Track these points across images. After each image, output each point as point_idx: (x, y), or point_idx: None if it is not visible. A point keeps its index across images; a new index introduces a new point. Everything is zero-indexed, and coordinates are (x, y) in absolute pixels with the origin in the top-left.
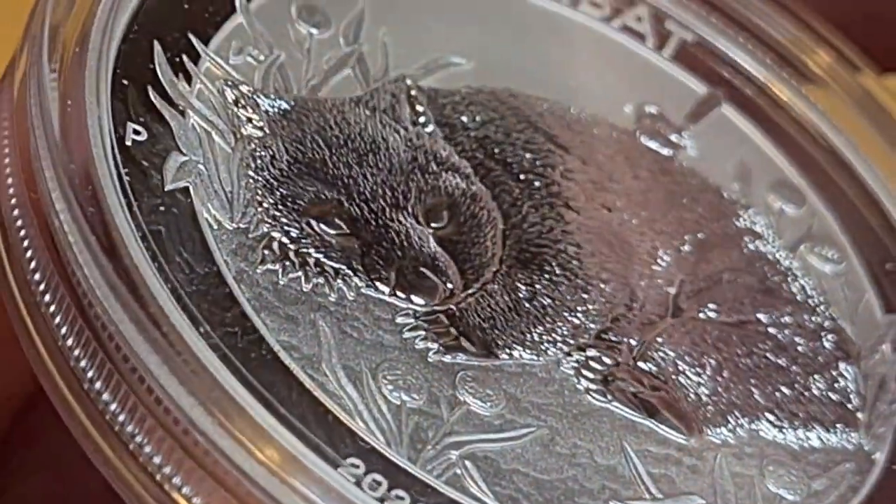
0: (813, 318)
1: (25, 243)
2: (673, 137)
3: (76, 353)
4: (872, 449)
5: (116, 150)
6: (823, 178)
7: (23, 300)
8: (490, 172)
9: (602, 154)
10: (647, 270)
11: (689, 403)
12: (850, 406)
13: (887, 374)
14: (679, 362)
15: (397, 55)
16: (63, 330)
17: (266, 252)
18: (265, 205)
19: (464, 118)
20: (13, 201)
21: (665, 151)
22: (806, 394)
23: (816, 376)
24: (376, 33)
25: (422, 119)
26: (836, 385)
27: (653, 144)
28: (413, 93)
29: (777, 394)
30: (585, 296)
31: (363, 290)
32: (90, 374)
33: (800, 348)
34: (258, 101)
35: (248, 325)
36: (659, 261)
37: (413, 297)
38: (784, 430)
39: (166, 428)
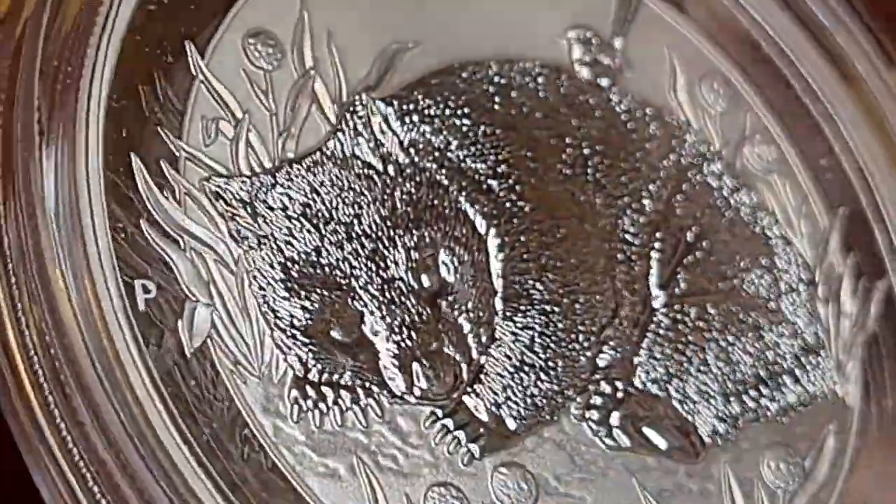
0: (769, 252)
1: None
2: (607, 62)
3: None
4: (845, 393)
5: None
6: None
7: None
8: (463, 189)
9: (547, 119)
10: (620, 254)
11: (687, 412)
12: (818, 350)
13: (841, 289)
14: (669, 364)
15: (349, 62)
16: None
17: (297, 401)
18: (280, 334)
19: (425, 127)
20: None
21: (604, 82)
22: (781, 352)
23: (785, 325)
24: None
25: (388, 148)
26: (803, 331)
27: (590, 76)
28: (374, 124)
29: (758, 364)
30: (574, 317)
31: (387, 406)
32: None
33: (763, 292)
34: (241, 194)
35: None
36: (628, 236)
37: (430, 389)
38: (769, 406)
39: None
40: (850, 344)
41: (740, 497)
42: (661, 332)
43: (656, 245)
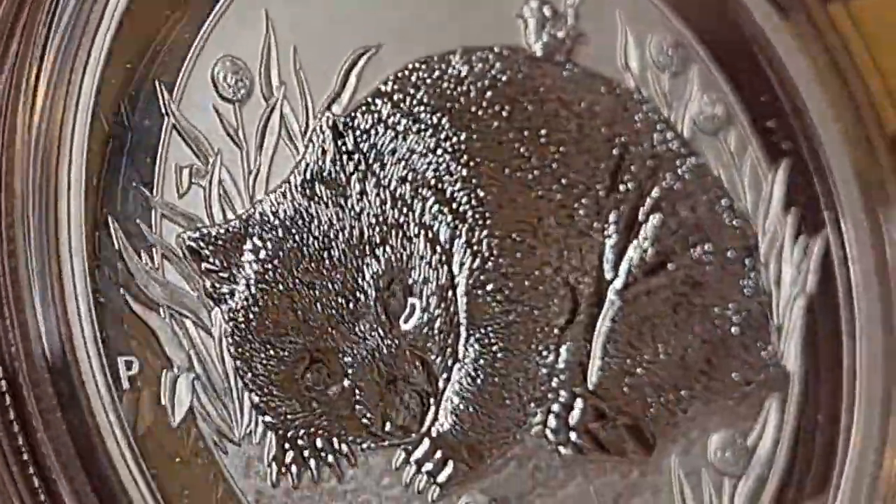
0: (716, 222)
1: None
2: (560, 34)
3: None
4: (785, 357)
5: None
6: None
7: None
8: (425, 202)
9: (506, 111)
10: (574, 248)
11: (639, 408)
12: (761, 316)
13: (783, 248)
14: (621, 359)
15: (314, 81)
16: None
17: (275, 459)
18: (256, 389)
19: (386, 139)
20: None
21: (558, 57)
22: (727, 328)
23: (730, 300)
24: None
25: (351, 166)
26: (748, 303)
27: (543, 51)
28: (336, 144)
29: (706, 346)
30: (532, 325)
31: (360, 450)
32: None
33: (709, 266)
34: (214, 243)
35: None
36: (582, 225)
37: (401, 419)
38: (716, 384)
39: None
40: (791, 308)
41: (688, 490)
42: (615, 326)
43: (610, 230)
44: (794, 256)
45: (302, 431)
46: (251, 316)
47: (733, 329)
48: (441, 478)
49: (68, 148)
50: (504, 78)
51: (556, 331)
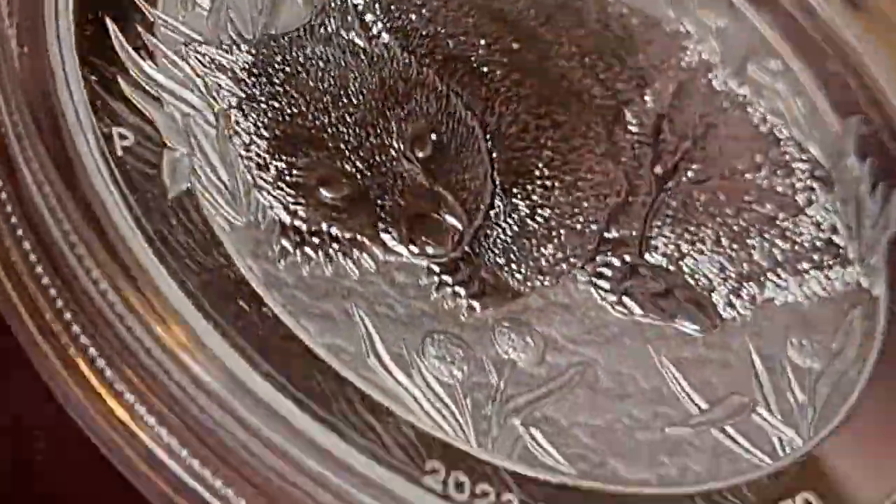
0: (781, 151)
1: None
2: None
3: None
4: (871, 284)
5: (113, 165)
6: None
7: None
8: (455, 73)
9: (546, 14)
10: (624, 142)
11: (702, 288)
12: (839, 242)
13: (860, 191)
14: (681, 243)
15: None
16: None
17: (284, 244)
18: (266, 187)
19: (412, 16)
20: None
21: None
22: (799, 240)
23: (802, 217)
24: None
25: (375, 31)
26: (821, 224)
27: None
28: (357, 6)
29: (774, 249)
30: (579, 194)
31: (382, 259)
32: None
33: (779, 188)
34: (222, 61)
35: (288, 333)
36: (630, 126)
37: (428, 247)
38: (789, 289)
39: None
40: (873, 241)
41: (764, 372)
42: (671, 213)
43: (660, 136)
44: (874, 197)
45: (315, 227)
46: (259, 124)
47: (807, 244)
48: (472, 300)
49: None
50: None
51: (604, 204)
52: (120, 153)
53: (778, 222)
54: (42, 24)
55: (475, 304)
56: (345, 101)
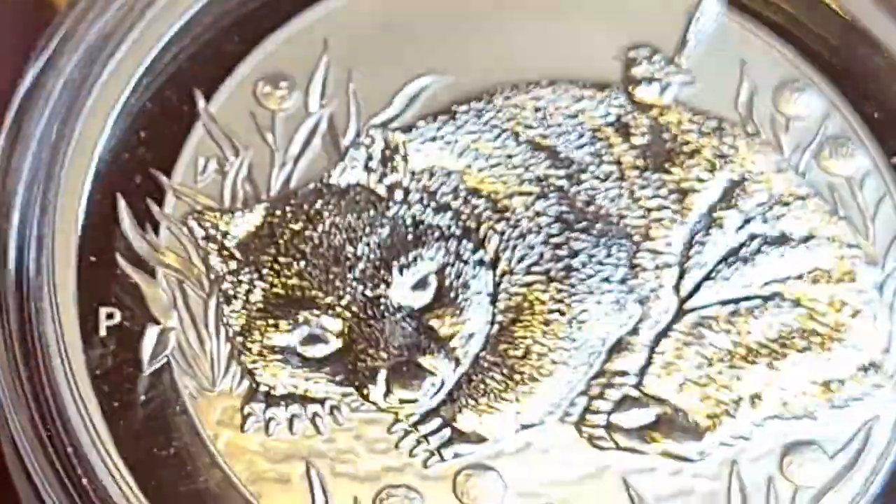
0: (834, 248)
1: None
2: (665, 73)
3: None
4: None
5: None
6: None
7: None
8: (475, 210)
9: (587, 136)
10: (649, 264)
11: (694, 414)
12: (875, 356)
13: None
14: (688, 374)
15: (368, 99)
16: None
17: (249, 410)
18: (246, 352)
19: (444, 153)
20: None
21: (664, 98)
22: (828, 357)
23: (842, 341)
24: (343, 82)
25: (397, 177)
26: (864, 348)
27: (646, 93)
28: (389, 155)
29: (798, 367)
30: (581, 325)
31: (355, 415)
32: None
33: (819, 304)
34: (226, 227)
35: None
36: (658, 245)
37: (406, 397)
38: (808, 407)
39: None
40: None
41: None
42: (681, 337)
43: (691, 253)
44: None
45: (290, 391)
46: (254, 290)
47: (844, 371)
48: (442, 450)
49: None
50: (592, 114)
51: (613, 336)
52: (103, 333)
53: (815, 351)
54: None
55: (445, 453)
56: (349, 255)
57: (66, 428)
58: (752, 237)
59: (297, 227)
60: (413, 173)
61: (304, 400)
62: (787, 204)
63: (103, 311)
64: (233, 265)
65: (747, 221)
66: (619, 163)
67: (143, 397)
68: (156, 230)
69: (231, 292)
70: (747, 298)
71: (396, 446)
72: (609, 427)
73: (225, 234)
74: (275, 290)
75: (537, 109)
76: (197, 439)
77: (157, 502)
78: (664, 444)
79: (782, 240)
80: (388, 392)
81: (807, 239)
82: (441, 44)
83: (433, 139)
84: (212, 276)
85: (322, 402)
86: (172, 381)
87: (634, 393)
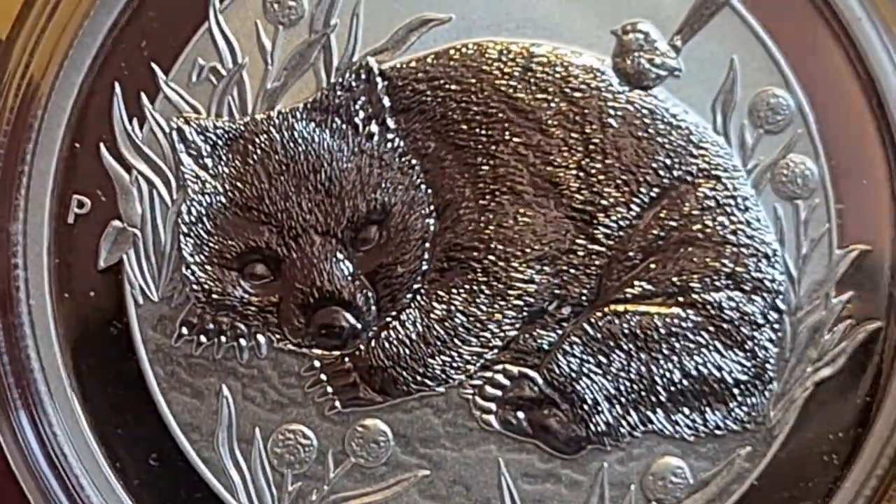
0: (756, 271)
1: None
2: (657, 61)
3: None
4: (778, 424)
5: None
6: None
7: None
8: (441, 163)
9: (565, 111)
10: (581, 250)
11: (583, 411)
12: (764, 378)
13: (822, 322)
14: (585, 364)
15: (368, 28)
16: None
17: (183, 327)
18: (192, 268)
19: (424, 97)
20: None
21: (650, 80)
22: (717, 374)
23: (737, 351)
24: (350, 6)
25: (377, 109)
26: (755, 356)
27: (632, 69)
28: (370, 82)
29: (686, 380)
30: (503, 302)
31: (276, 346)
32: None
33: (726, 314)
34: (205, 134)
35: (152, 408)
36: (597, 232)
37: (326, 342)
38: (681, 421)
39: None
40: (805, 379)
41: (609, 500)
42: (591, 330)
43: (627, 244)
44: (832, 334)
45: (221, 315)
46: (214, 203)
47: (728, 379)
48: (344, 397)
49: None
50: (572, 85)
51: (531, 311)
52: (70, 220)
53: (707, 353)
54: None
55: (345, 401)
56: (310, 186)
57: (11, 305)
58: (683, 238)
59: (268, 147)
60: (393, 109)
61: (235, 319)
62: (727, 213)
63: (76, 198)
64: (203, 175)
65: (683, 221)
66: (583, 134)
67: (92, 293)
68: (142, 127)
69: (194, 200)
70: (665, 295)
71: (305, 386)
72: (498, 404)
73: (203, 142)
74: (234, 206)
75: (525, 69)
76: (128, 340)
77: (82, 385)
78: (544, 435)
79: (707, 243)
80: (307, 325)
81: (727, 244)
82: None
83: (417, 79)
84: (180, 182)
85: (250, 326)
86: (119, 280)
87: (532, 373)
